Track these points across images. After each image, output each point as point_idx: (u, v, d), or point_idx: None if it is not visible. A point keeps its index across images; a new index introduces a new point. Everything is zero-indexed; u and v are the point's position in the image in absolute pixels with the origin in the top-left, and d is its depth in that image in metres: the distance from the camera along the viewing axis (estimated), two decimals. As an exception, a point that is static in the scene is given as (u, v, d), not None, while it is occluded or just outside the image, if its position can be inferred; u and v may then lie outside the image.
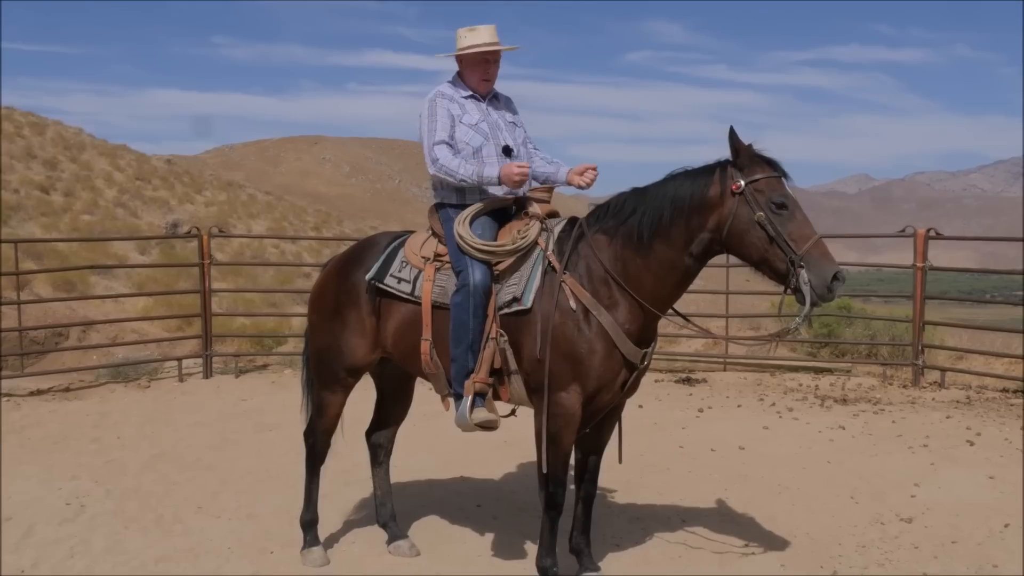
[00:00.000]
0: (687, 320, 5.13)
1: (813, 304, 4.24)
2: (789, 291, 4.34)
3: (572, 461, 4.90)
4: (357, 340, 5.12)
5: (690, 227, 4.42)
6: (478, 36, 4.87)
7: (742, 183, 4.33)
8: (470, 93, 4.97)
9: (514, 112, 5.16)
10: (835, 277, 4.23)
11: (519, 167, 4.72)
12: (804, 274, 4.22)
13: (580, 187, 4.87)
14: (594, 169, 4.84)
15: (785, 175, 4.39)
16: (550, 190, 4.97)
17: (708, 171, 4.45)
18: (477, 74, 4.94)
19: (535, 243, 4.71)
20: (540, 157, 5.10)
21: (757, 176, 4.34)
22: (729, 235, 4.37)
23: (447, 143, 4.87)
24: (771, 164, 4.38)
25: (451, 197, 4.95)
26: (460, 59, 4.96)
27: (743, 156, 4.36)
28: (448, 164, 4.82)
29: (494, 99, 5.08)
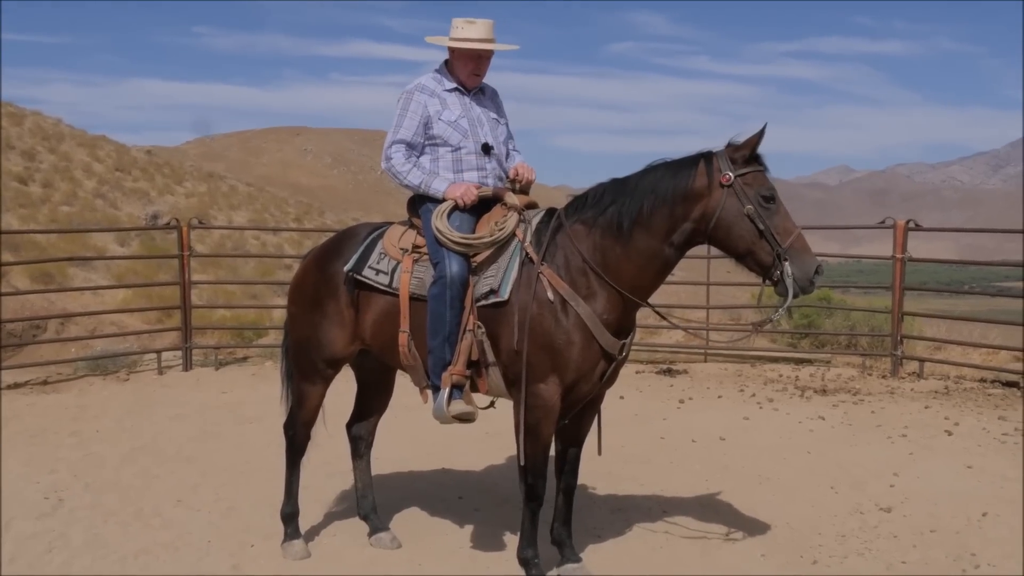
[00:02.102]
0: (662, 316, 5.16)
1: (795, 296, 4.31)
2: (769, 283, 4.41)
3: (552, 453, 4.91)
4: (336, 332, 5.10)
5: (673, 217, 4.43)
6: (475, 30, 4.80)
7: (731, 175, 4.35)
8: (455, 86, 4.94)
9: (499, 106, 5.13)
10: (816, 271, 4.34)
11: (466, 189, 4.74)
12: (788, 267, 4.28)
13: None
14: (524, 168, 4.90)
15: (767, 168, 4.43)
16: (527, 183, 4.95)
17: (691, 162, 4.46)
18: (467, 68, 4.91)
19: (513, 235, 4.70)
20: (520, 160, 5.08)
21: (746, 169, 4.36)
22: (716, 227, 4.39)
23: (407, 144, 4.88)
24: (757, 158, 4.41)
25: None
26: (452, 49, 4.92)
27: (748, 151, 4.37)
28: (399, 167, 4.86)
29: (479, 92, 5.04)
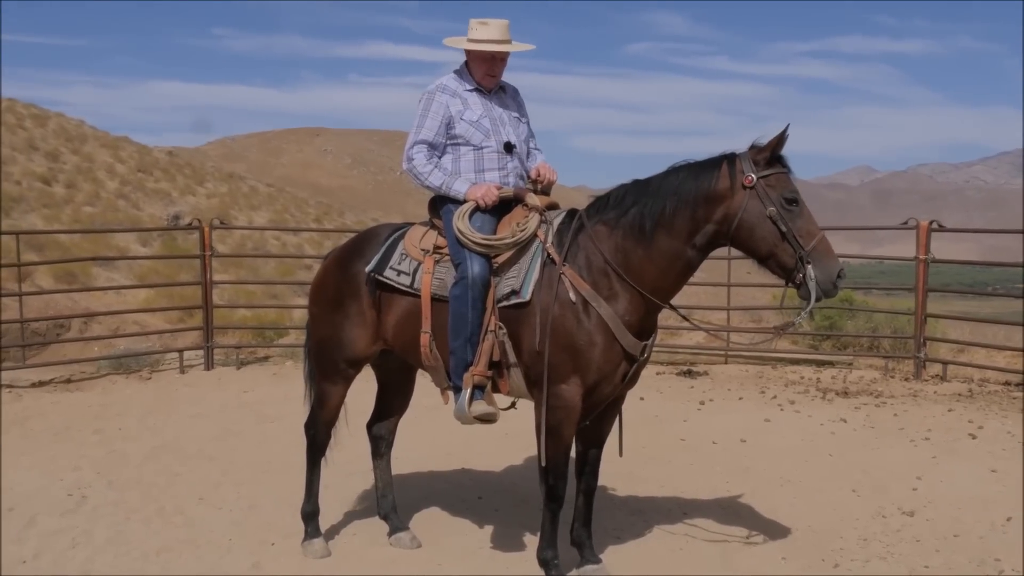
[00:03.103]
0: (684, 317, 5.17)
1: (818, 299, 4.30)
2: (792, 285, 4.39)
3: (573, 454, 4.90)
4: (357, 332, 5.11)
5: (695, 219, 4.42)
6: (488, 31, 4.81)
7: (754, 177, 4.33)
8: (476, 85, 4.96)
9: (520, 105, 5.14)
10: (839, 274, 4.33)
11: (487, 190, 4.75)
12: (811, 270, 4.26)
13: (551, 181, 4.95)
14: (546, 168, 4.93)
15: (791, 171, 4.41)
16: (549, 183, 4.96)
17: (714, 163, 4.45)
18: (482, 69, 4.92)
19: (534, 235, 4.70)
20: (541, 159, 5.10)
21: (769, 171, 4.35)
22: (738, 228, 4.38)
23: (429, 144, 4.89)
24: (780, 160, 4.39)
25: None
26: (468, 51, 4.94)
27: (770, 152, 4.35)
28: (420, 168, 4.87)
29: (500, 91, 5.06)
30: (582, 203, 4.86)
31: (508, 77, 5.08)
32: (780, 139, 4.36)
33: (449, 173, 4.88)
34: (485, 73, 4.93)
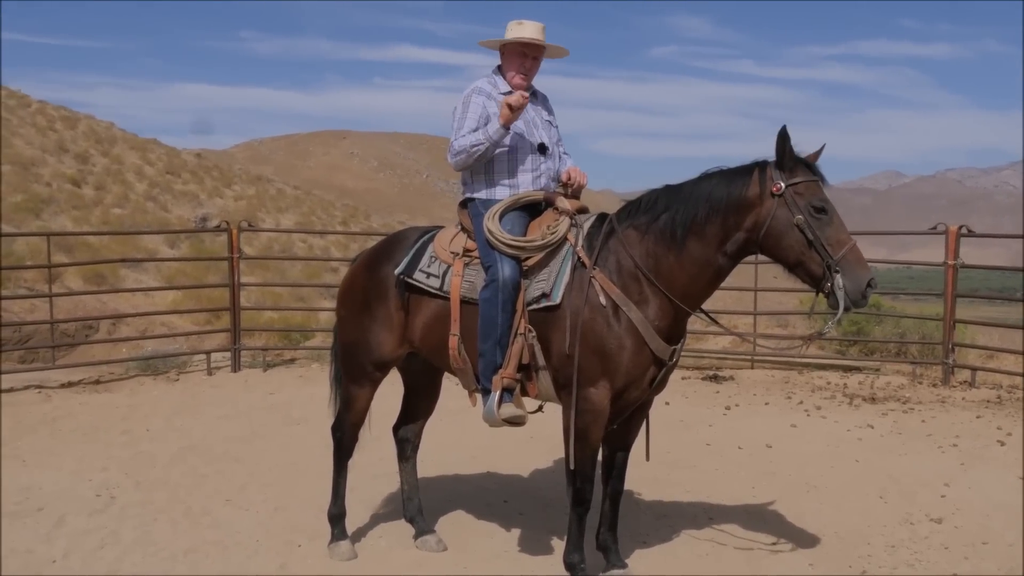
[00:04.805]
0: (714, 321, 5.16)
1: (846, 310, 4.26)
2: (821, 294, 4.37)
3: (599, 457, 4.90)
4: (385, 334, 5.13)
5: (726, 226, 4.42)
6: (523, 30, 4.89)
7: (782, 185, 4.32)
8: (509, 89, 4.98)
9: (550, 110, 5.18)
10: (869, 284, 4.29)
11: (514, 98, 4.73)
12: (839, 279, 4.24)
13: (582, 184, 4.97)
14: (577, 172, 4.96)
15: (823, 179, 4.39)
16: (579, 187, 4.98)
17: (746, 171, 4.44)
18: (514, 66, 4.96)
19: (564, 239, 4.71)
20: (571, 164, 5.12)
21: (798, 179, 4.33)
22: (766, 236, 4.37)
23: None
24: (811, 168, 4.37)
25: (480, 192, 4.97)
26: (502, 50, 4.99)
27: (787, 158, 4.34)
28: (460, 144, 4.86)
29: (532, 96, 5.08)
30: (608, 207, 4.86)
31: (534, 80, 5.11)
32: (816, 154, 4.37)
33: (480, 127, 4.84)
34: (517, 71, 4.96)
